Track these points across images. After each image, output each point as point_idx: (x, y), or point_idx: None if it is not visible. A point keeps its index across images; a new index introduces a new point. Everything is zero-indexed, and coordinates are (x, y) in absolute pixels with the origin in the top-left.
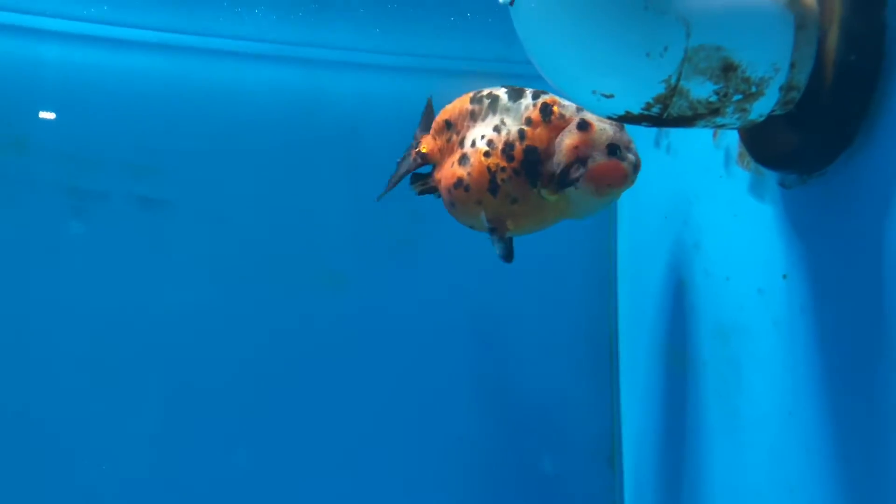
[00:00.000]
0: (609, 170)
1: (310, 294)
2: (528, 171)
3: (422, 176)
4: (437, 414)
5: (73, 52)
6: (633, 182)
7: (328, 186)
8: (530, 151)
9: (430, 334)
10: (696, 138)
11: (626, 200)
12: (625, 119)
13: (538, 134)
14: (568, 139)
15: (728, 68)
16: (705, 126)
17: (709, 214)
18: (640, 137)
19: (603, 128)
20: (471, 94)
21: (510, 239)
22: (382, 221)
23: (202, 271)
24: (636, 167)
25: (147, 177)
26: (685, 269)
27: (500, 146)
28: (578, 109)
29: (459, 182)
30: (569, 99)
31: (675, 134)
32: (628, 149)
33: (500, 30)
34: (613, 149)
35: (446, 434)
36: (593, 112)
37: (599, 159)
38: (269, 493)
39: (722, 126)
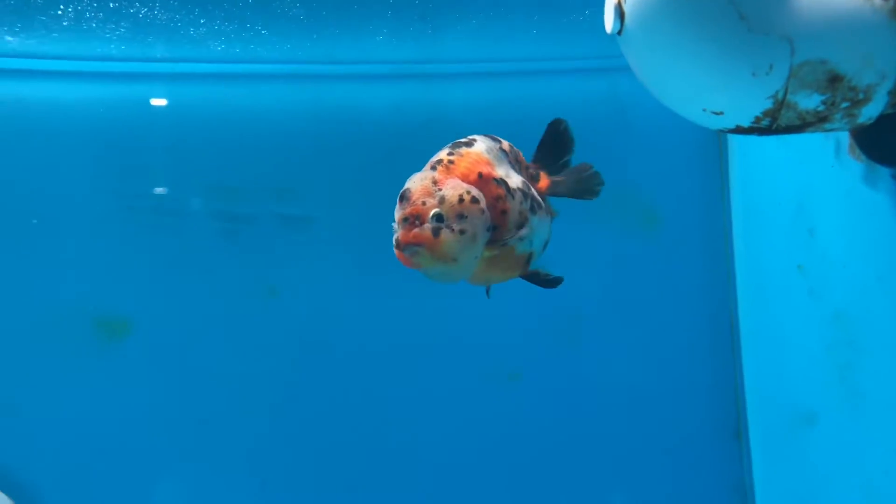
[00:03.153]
0: None
1: (440, 298)
2: None
3: None
4: (569, 392)
5: (214, 91)
6: (416, 257)
7: None
8: None
9: (568, 323)
10: None
11: (738, 186)
12: (735, 132)
13: None
14: None
15: (834, 80)
16: (814, 131)
17: (822, 202)
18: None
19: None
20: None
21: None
22: None
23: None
24: (397, 243)
25: (287, 198)
26: (802, 253)
27: None
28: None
29: None
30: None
31: None
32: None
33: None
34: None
35: (575, 412)
36: (706, 126)
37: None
38: None
39: (831, 130)
